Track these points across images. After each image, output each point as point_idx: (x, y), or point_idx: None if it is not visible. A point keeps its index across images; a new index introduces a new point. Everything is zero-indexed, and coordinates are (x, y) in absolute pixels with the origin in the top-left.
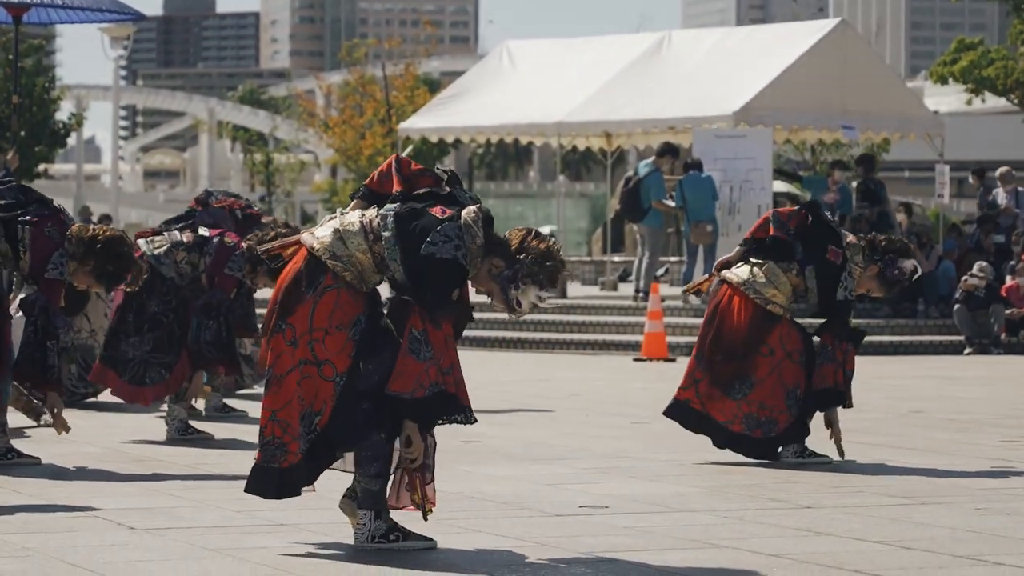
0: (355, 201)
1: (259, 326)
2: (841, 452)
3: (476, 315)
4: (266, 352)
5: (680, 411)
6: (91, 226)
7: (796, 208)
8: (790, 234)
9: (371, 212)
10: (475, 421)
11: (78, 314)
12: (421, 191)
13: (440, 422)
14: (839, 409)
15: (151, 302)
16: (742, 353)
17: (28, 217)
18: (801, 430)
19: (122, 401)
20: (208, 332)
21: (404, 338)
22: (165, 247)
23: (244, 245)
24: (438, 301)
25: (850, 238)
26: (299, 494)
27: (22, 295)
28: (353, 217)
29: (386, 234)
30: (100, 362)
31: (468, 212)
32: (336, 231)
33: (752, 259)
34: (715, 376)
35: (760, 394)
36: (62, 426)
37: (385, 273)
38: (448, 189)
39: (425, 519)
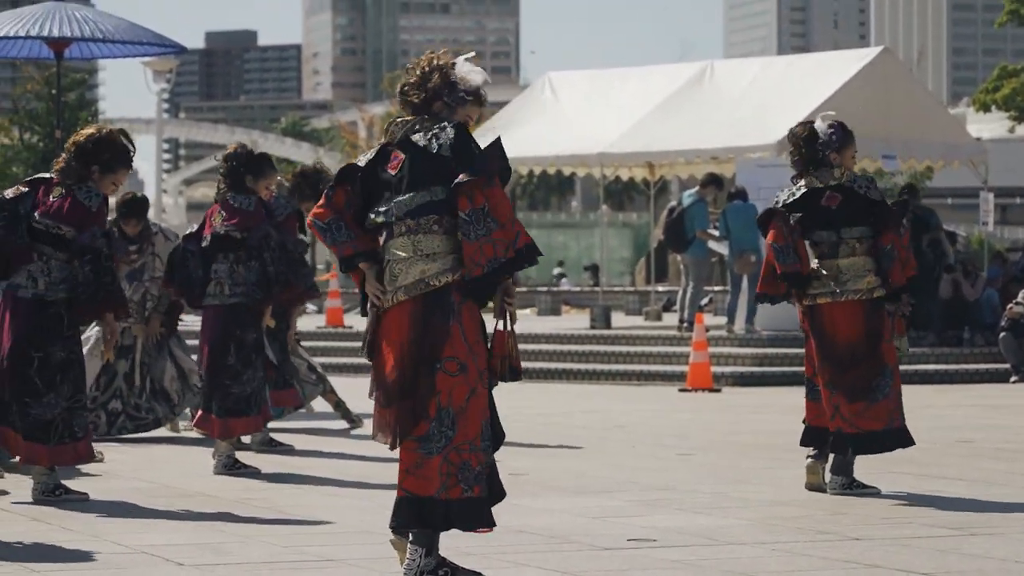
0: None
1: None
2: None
3: (519, 347)
4: (411, 415)
5: (838, 441)
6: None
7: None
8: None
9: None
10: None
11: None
12: None
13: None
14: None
15: (247, 333)
16: (864, 355)
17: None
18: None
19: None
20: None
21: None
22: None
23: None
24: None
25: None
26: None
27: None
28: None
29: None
30: (217, 414)
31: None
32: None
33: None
34: (848, 391)
35: (898, 382)
36: (109, 350)
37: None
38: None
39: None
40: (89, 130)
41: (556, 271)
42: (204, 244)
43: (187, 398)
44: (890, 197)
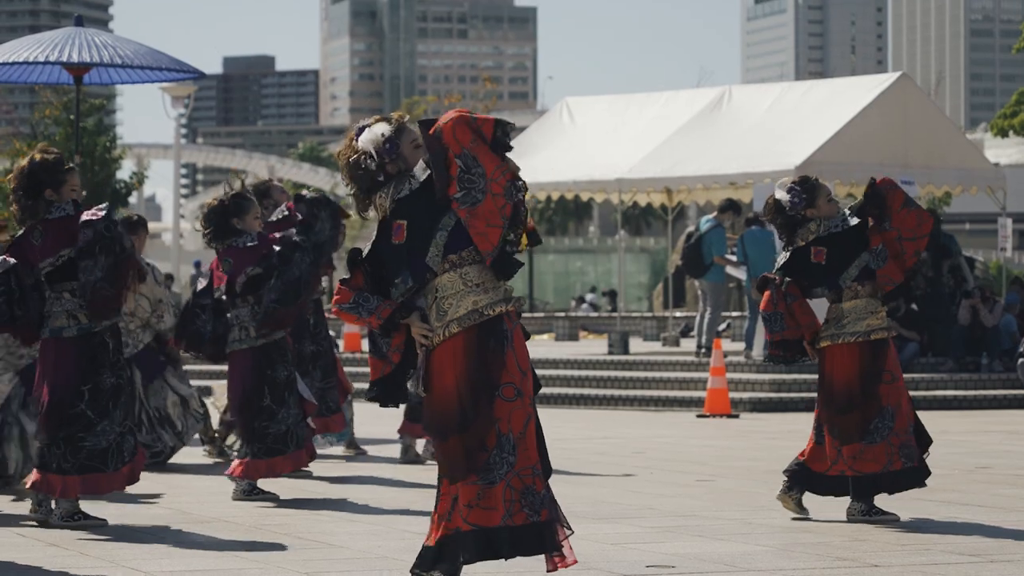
0: None
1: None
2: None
3: (537, 373)
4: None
5: (830, 484)
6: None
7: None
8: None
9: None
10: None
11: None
12: None
13: None
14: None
15: (279, 372)
16: (861, 397)
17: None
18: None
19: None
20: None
21: None
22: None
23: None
24: None
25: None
26: None
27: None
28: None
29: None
30: (256, 455)
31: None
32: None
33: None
34: (846, 433)
35: (903, 421)
36: None
37: None
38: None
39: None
40: (11, 175)
41: (590, 296)
42: (219, 295)
43: (190, 424)
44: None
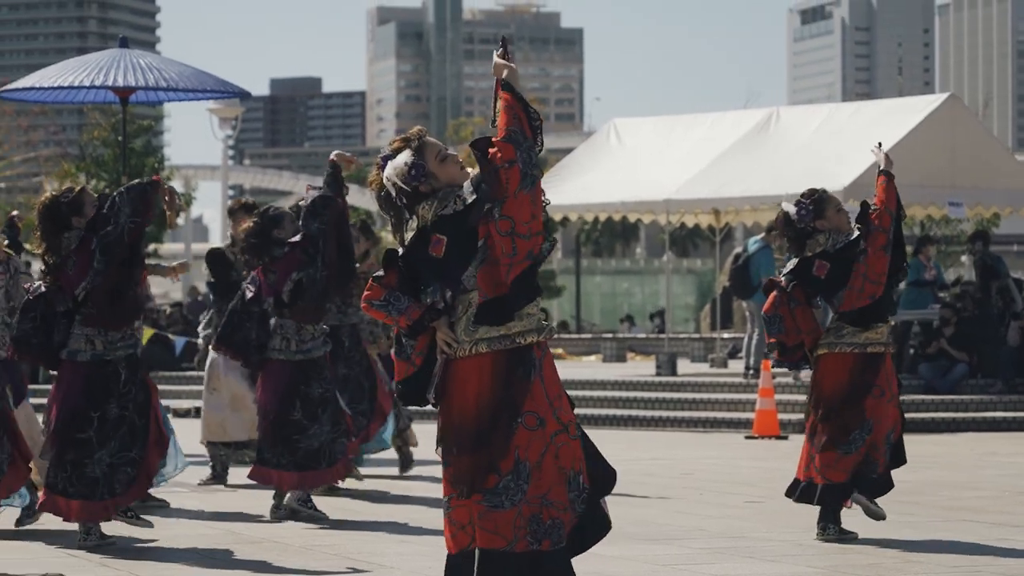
0: None
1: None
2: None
3: (584, 394)
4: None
5: (803, 492)
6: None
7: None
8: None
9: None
10: None
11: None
12: None
13: None
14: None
15: (313, 388)
16: (844, 407)
17: None
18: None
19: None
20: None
21: None
22: None
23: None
24: None
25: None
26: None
27: None
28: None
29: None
30: (287, 468)
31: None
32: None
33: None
34: (823, 441)
35: (879, 435)
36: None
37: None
38: None
39: None
40: (33, 215)
41: (656, 321)
42: (267, 306)
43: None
44: (957, 244)
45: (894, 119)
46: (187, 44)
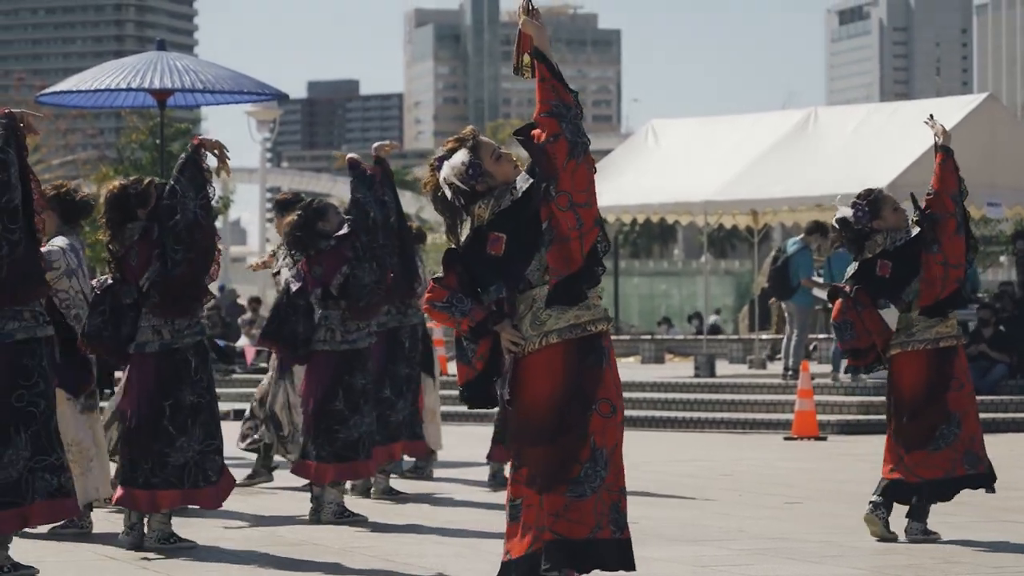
0: None
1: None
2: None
3: (623, 395)
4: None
5: (896, 491)
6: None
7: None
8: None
9: None
10: None
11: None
12: None
13: None
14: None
15: (356, 379)
16: (926, 404)
17: None
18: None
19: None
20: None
21: None
22: None
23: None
24: None
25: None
26: None
27: None
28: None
29: None
30: (325, 459)
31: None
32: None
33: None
34: (910, 440)
35: (969, 428)
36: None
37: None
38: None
39: None
40: (105, 194)
41: (713, 318)
42: (315, 298)
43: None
44: (996, 244)
45: None
46: (224, 46)
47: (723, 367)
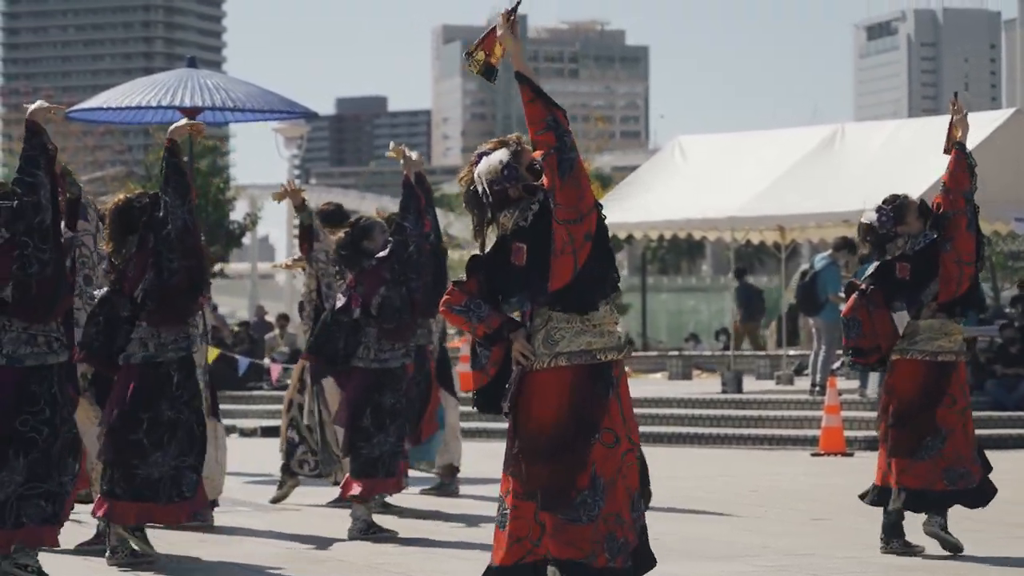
0: None
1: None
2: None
3: (650, 412)
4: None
5: (877, 495)
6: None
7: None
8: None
9: None
10: None
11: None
12: None
13: None
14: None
15: (385, 398)
16: (916, 413)
17: None
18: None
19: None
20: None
21: None
22: None
23: None
24: None
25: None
26: None
27: None
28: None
29: None
30: (352, 475)
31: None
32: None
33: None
34: (896, 446)
35: (953, 446)
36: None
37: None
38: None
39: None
40: (110, 206)
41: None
42: (356, 316)
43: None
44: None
45: None
46: (253, 62)
47: (750, 383)
